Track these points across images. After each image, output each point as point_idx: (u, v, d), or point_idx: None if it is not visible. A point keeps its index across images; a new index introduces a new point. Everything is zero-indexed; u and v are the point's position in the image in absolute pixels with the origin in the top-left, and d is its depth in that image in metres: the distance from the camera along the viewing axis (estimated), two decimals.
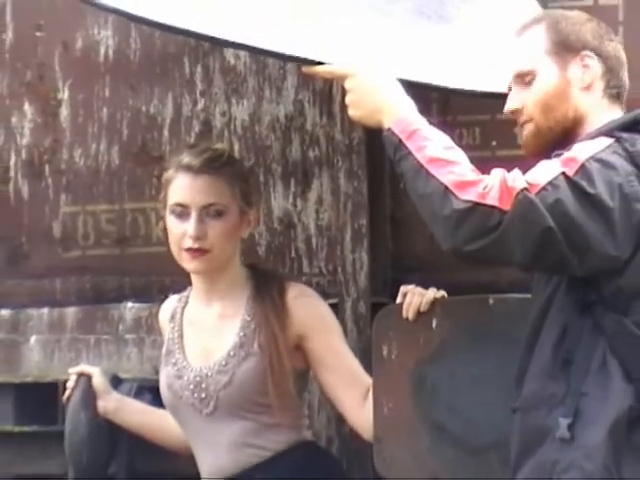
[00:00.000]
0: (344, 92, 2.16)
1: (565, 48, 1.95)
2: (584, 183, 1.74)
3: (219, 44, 2.40)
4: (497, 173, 1.80)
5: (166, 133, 2.71)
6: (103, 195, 2.76)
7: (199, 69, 2.69)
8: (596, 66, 1.94)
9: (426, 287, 2.19)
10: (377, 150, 2.52)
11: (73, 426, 2.48)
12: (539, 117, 1.94)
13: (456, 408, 2.17)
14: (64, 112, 2.79)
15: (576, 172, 1.74)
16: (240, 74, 2.68)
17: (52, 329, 2.75)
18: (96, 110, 2.77)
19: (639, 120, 1.87)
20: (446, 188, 1.79)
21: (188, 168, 2.30)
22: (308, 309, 2.37)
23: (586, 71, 1.94)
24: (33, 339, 2.77)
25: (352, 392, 2.33)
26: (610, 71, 1.95)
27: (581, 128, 1.91)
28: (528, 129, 1.97)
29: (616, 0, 2.49)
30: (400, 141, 1.88)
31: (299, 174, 2.66)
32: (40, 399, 2.70)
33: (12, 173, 2.82)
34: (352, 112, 2.04)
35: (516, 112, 1.98)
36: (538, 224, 1.74)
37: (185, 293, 2.45)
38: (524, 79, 1.96)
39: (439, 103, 2.38)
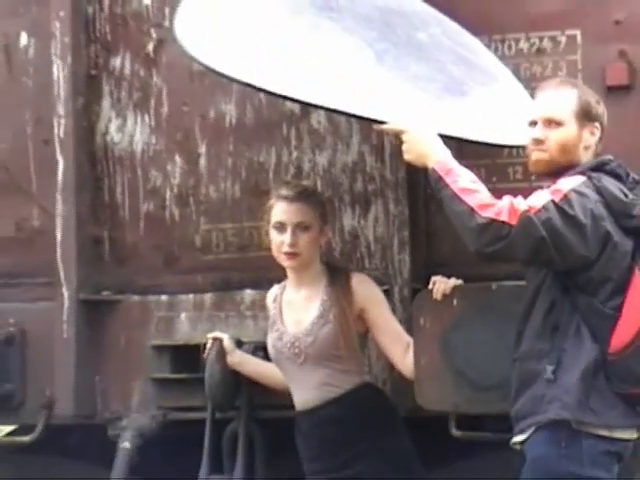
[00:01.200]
0: (392, 145, 2.99)
1: (587, 117, 2.49)
2: (566, 207, 2.28)
3: (309, 106, 3.01)
4: (507, 198, 2.34)
5: (271, 175, 3.39)
6: (229, 217, 3.45)
7: (293, 131, 3.36)
8: (598, 135, 2.50)
9: (449, 277, 2.87)
10: (415, 184, 3.18)
11: (210, 374, 3.15)
12: (555, 152, 2.46)
13: (471, 361, 2.81)
14: (202, 162, 3.48)
15: (561, 199, 2.30)
16: (321, 134, 3.35)
17: (195, 308, 3.45)
18: (224, 160, 3.44)
19: (604, 163, 2.43)
20: (472, 209, 2.30)
21: (285, 197, 2.96)
22: (366, 290, 3.00)
23: (592, 137, 2.50)
24: (183, 315, 3.46)
25: (398, 346, 2.94)
26: (602, 138, 2.52)
27: (570, 169, 2.44)
28: (542, 156, 2.49)
29: None
30: (440, 177, 2.40)
31: (362, 202, 3.31)
32: (188, 356, 3.38)
33: (167, 203, 3.50)
34: (406, 156, 2.58)
35: (538, 142, 2.48)
36: (535, 235, 2.27)
37: (283, 283, 3.09)
38: (552, 123, 2.47)
39: (457, 150, 2.68)
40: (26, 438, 3.56)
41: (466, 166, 2.50)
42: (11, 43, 3.67)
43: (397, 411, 3.09)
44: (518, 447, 2.46)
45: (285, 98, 2.82)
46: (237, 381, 3.24)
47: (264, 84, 2.63)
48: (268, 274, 3.22)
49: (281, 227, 2.96)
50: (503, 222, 2.28)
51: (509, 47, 3.25)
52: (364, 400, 3.00)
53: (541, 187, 2.49)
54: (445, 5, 3.28)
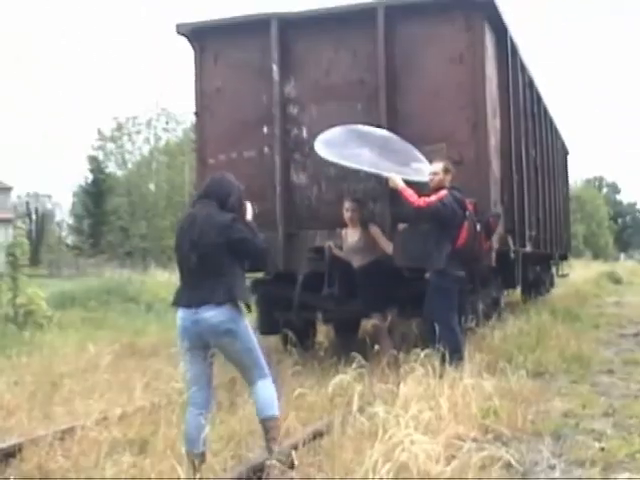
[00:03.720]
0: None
1: (447, 172, 8.37)
2: (443, 201, 8.14)
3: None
4: (427, 199, 8.15)
5: None
6: None
7: None
8: (451, 174, 8.39)
9: None
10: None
11: None
12: (437, 183, 8.30)
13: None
14: None
15: (440, 198, 8.18)
16: None
17: None
18: None
19: (452, 187, 8.48)
20: (411, 202, 8.22)
21: None
22: None
23: (450, 174, 8.39)
24: None
25: None
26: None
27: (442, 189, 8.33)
28: (434, 183, 8.33)
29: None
30: (401, 193, 8.38)
31: None
32: None
33: None
34: (391, 185, 8.55)
35: (434, 175, 8.34)
36: (433, 211, 8.16)
37: None
38: (437, 172, 8.33)
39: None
40: None
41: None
42: None
43: None
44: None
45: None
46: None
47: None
48: None
49: None
50: (426, 207, 8.20)
51: None
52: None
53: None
54: None
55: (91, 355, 9.08)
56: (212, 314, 4.94)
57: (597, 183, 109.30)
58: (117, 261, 39.38)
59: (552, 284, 20.38)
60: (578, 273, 29.57)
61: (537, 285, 17.36)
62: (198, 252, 4.98)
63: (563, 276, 21.89)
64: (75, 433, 5.71)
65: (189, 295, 5.08)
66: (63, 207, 75.51)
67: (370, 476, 4.15)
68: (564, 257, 21.11)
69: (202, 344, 5.07)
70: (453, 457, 4.96)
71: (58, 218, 76.67)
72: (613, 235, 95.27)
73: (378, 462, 4.33)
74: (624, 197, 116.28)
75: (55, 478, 5.13)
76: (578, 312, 14.59)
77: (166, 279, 23.95)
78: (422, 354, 6.77)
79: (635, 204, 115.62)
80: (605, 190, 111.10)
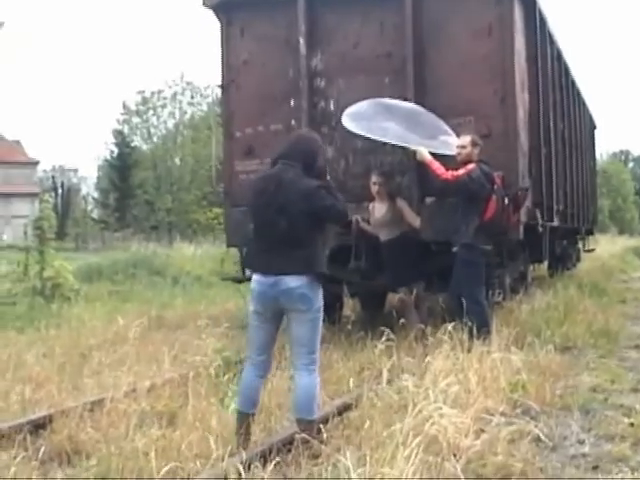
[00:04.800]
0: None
1: (475, 146, 8.31)
2: (471, 175, 8.10)
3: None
4: (455, 172, 8.12)
5: None
6: None
7: None
8: (479, 147, 8.33)
9: None
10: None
11: None
12: (465, 156, 8.24)
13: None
14: None
15: (468, 172, 8.14)
16: None
17: None
18: None
19: (480, 160, 8.43)
20: (438, 175, 8.21)
21: None
22: None
23: (478, 148, 8.32)
24: None
25: None
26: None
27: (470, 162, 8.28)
28: (462, 157, 8.26)
29: None
30: (429, 165, 8.36)
31: None
32: None
33: None
34: (418, 158, 8.47)
35: (462, 148, 8.26)
36: (461, 184, 8.12)
37: None
38: (465, 146, 8.26)
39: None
40: None
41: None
42: None
43: None
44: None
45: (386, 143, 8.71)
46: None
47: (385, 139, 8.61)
48: None
49: None
50: (454, 180, 8.17)
51: None
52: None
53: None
54: None
55: (119, 327, 9.16)
56: (291, 279, 4.85)
57: (623, 157, 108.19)
58: (143, 235, 39.47)
59: (579, 258, 20.26)
60: (604, 248, 29.42)
61: (564, 259, 17.26)
62: (287, 218, 4.84)
63: (589, 251, 21.76)
64: (104, 405, 5.74)
65: (268, 261, 4.95)
66: (89, 181, 75.84)
67: (400, 450, 4.14)
68: (590, 232, 20.96)
69: (276, 309, 4.98)
70: (482, 431, 4.97)
71: (84, 192, 77.01)
72: (639, 210, 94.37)
73: (409, 435, 4.31)
74: None
75: (85, 449, 5.15)
76: (605, 287, 14.48)
77: (191, 253, 24.02)
78: (449, 327, 6.74)
79: None
80: (631, 165, 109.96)
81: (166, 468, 4.19)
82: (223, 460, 4.39)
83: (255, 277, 5.04)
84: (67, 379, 7.02)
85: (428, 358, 6.17)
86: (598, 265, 21.59)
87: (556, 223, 12.11)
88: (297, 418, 5.02)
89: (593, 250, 22.47)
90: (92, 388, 6.66)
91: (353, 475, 3.88)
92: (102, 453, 4.85)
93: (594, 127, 21.95)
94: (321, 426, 5.02)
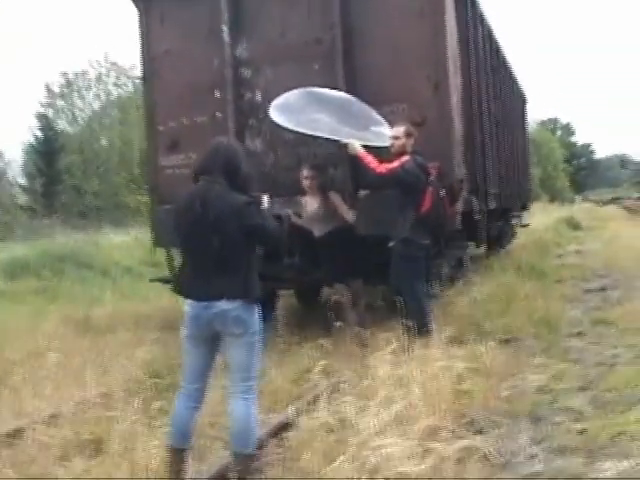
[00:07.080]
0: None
1: (409, 136, 8.08)
2: (406, 167, 7.86)
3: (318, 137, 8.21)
4: (389, 165, 7.86)
5: None
6: None
7: None
8: (413, 137, 8.10)
9: None
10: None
11: None
12: (399, 147, 8.00)
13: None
14: None
15: (402, 164, 7.89)
16: None
17: None
18: None
19: (414, 151, 8.28)
20: (372, 169, 7.94)
21: None
22: None
23: (412, 138, 8.09)
24: None
25: None
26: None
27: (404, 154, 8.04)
28: (395, 148, 8.00)
29: None
30: (361, 159, 8.06)
31: None
32: None
33: None
34: (350, 152, 8.17)
35: (395, 139, 8.01)
36: (396, 178, 7.88)
37: None
38: (398, 137, 8.00)
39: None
40: None
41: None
42: None
43: None
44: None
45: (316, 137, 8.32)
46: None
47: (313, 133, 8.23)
48: None
49: None
50: (387, 173, 7.90)
51: None
52: None
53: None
54: None
55: (44, 334, 8.79)
56: (225, 302, 4.51)
57: (552, 125, 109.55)
58: (71, 223, 38.49)
59: (514, 235, 20.23)
60: (538, 220, 29.46)
61: (500, 239, 17.14)
62: (220, 237, 4.48)
63: (524, 226, 21.77)
64: (23, 436, 5.31)
65: (201, 287, 4.61)
66: (14, 165, 73.84)
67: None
68: (525, 207, 20.95)
69: (210, 333, 4.62)
70: (428, 452, 4.67)
71: (10, 177, 74.95)
72: (568, 177, 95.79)
73: (350, 469, 4.03)
74: (579, 138, 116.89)
75: None
76: (542, 266, 14.37)
77: (120, 240, 23.34)
78: (389, 332, 6.48)
79: (589, 145, 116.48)
80: (559, 132, 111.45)
81: None
82: None
83: (188, 301, 4.68)
84: None
85: (369, 369, 5.86)
86: (533, 239, 21.61)
87: (492, 206, 11.92)
88: (233, 451, 4.66)
89: (528, 225, 22.49)
90: (11, 414, 6.18)
91: None
92: None
93: (525, 102, 21.88)
94: (257, 454, 4.71)
